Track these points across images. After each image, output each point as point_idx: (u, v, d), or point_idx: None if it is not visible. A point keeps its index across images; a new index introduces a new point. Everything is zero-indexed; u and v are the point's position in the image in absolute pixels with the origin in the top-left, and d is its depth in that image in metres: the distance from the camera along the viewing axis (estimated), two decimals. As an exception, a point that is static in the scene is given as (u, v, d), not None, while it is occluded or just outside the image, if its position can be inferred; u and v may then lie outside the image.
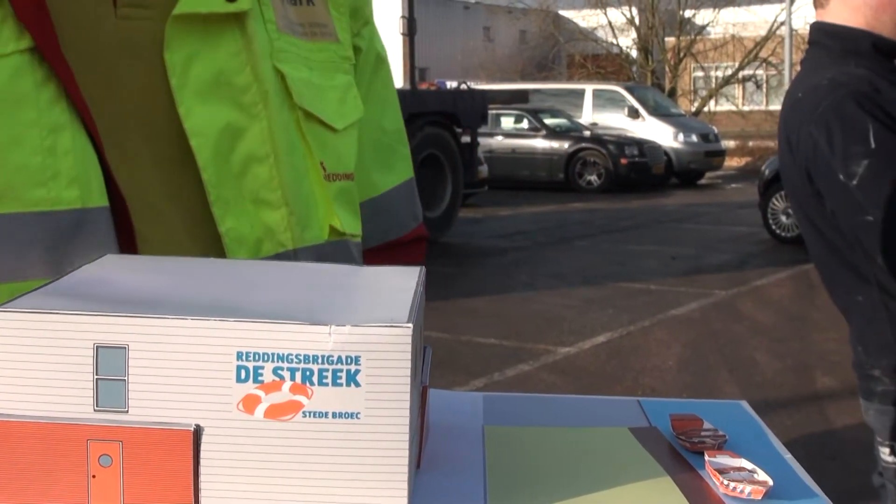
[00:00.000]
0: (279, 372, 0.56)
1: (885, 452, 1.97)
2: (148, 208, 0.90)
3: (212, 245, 0.91)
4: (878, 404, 1.97)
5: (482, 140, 13.18)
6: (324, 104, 1.00)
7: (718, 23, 31.03)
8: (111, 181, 0.88)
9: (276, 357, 0.56)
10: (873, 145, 1.80)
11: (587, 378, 5.85)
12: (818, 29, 2.03)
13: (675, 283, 8.78)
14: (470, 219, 12.85)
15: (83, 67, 0.88)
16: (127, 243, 0.89)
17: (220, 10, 0.91)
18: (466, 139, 11.35)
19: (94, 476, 0.57)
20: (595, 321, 7.32)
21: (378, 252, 1.17)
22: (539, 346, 6.55)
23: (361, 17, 1.11)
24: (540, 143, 17.56)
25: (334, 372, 0.57)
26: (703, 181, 19.60)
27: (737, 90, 31.79)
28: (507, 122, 17.92)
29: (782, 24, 24.89)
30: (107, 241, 0.86)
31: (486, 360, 6.11)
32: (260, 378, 0.57)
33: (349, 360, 0.57)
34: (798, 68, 2.13)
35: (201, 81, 0.90)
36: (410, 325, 0.57)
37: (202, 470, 0.57)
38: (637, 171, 17.37)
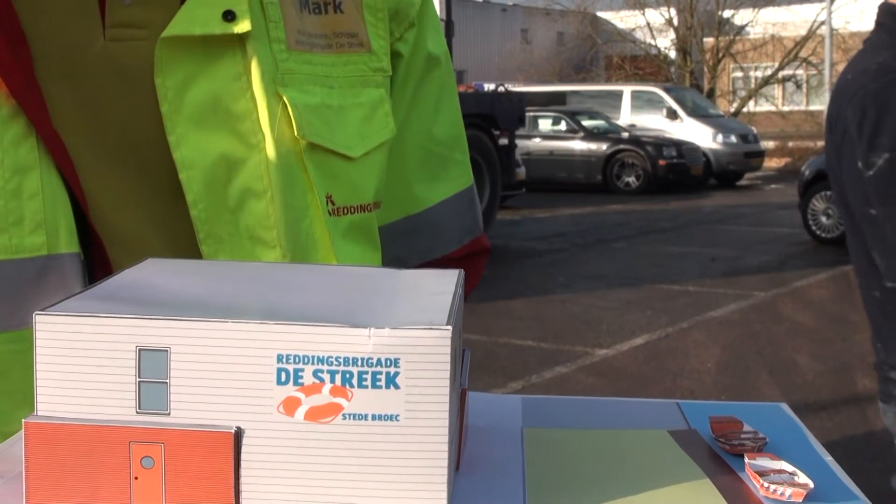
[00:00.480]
0: (319, 374, 0.57)
1: None
2: (134, 245, 0.85)
3: None
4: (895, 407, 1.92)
5: (520, 142, 13.17)
6: (338, 130, 0.93)
7: (758, 23, 30.85)
8: (88, 223, 0.83)
9: (315, 359, 0.57)
10: None
11: (625, 380, 5.83)
12: (886, 10, 1.93)
13: (715, 285, 8.73)
14: (508, 220, 12.84)
15: (68, 93, 0.83)
16: None
17: (218, 32, 0.84)
18: (504, 141, 11.34)
19: (136, 478, 0.57)
20: (633, 323, 7.29)
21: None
22: (577, 347, 6.53)
23: (405, 19, 1.02)
24: (578, 145, 17.52)
25: (374, 374, 0.57)
26: (742, 182, 19.48)
27: (776, 90, 31.59)
28: (545, 125, 17.90)
29: (822, 23, 24.70)
30: (74, 288, 0.81)
31: (523, 361, 6.10)
32: (300, 380, 0.57)
33: (388, 362, 0.57)
34: (839, 68, 2.08)
35: (196, 108, 0.84)
36: (449, 327, 0.57)
37: (243, 472, 0.58)
38: (675, 172, 17.30)
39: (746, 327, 7.18)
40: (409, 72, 1.04)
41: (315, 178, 0.90)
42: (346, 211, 0.94)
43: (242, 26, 0.84)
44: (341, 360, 0.57)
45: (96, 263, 0.85)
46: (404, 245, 1.06)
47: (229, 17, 0.84)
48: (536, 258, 10.21)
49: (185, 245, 0.86)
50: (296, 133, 0.88)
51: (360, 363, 0.57)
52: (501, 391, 5.15)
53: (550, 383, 5.68)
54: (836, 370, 6.08)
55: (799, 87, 31.63)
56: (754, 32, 31.42)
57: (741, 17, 31.03)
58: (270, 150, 0.86)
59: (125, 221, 0.85)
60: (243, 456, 0.58)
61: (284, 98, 0.88)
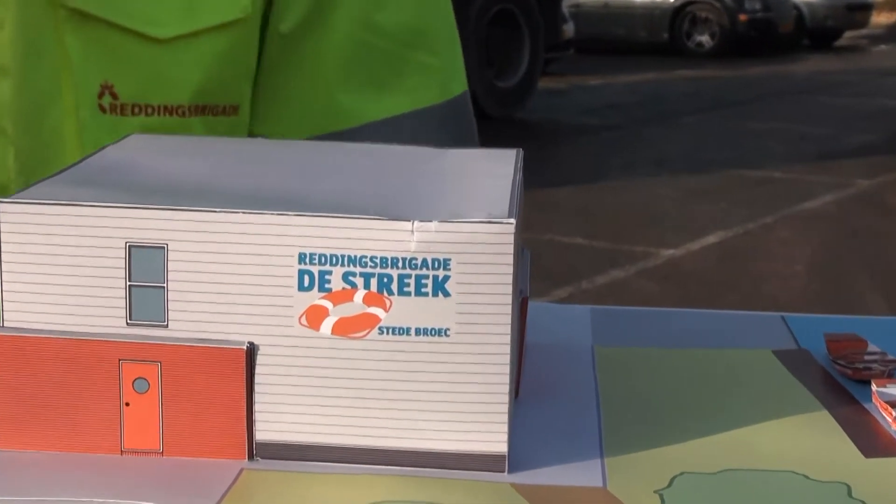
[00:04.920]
0: (350, 278, 0.56)
1: None
2: None
3: None
4: None
5: (567, -9, 13.03)
6: None
7: None
8: None
9: (346, 260, 0.56)
10: None
11: (695, 286, 5.84)
12: None
13: (806, 170, 8.69)
14: (551, 90, 12.77)
15: None
16: None
17: None
18: (548, -9, 11.23)
19: (127, 404, 0.58)
20: (705, 217, 7.28)
21: None
22: (636, 247, 6.54)
23: None
24: (638, -4, 17.35)
25: (418, 278, 0.56)
26: (841, 42, 19.27)
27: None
28: (598, -30, 17.69)
29: None
30: None
31: (571, 264, 6.11)
32: (327, 286, 0.56)
33: (436, 263, 0.56)
34: None
35: None
36: (512, 220, 0.56)
37: (257, 397, 0.58)
38: (759, 29, 17.11)
39: (845, 223, 7.17)
40: None
41: (78, 57, 0.85)
42: (137, 110, 0.87)
43: None
44: (378, 261, 0.56)
45: None
46: None
47: None
48: (586, 137, 10.17)
49: None
50: None
51: (401, 264, 0.56)
52: (545, 300, 5.18)
53: (604, 290, 5.69)
54: (955, 276, 6.07)
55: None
56: None
57: None
58: (17, 18, 0.81)
59: None
60: (257, 378, 0.58)
61: None
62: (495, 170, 0.66)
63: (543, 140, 9.84)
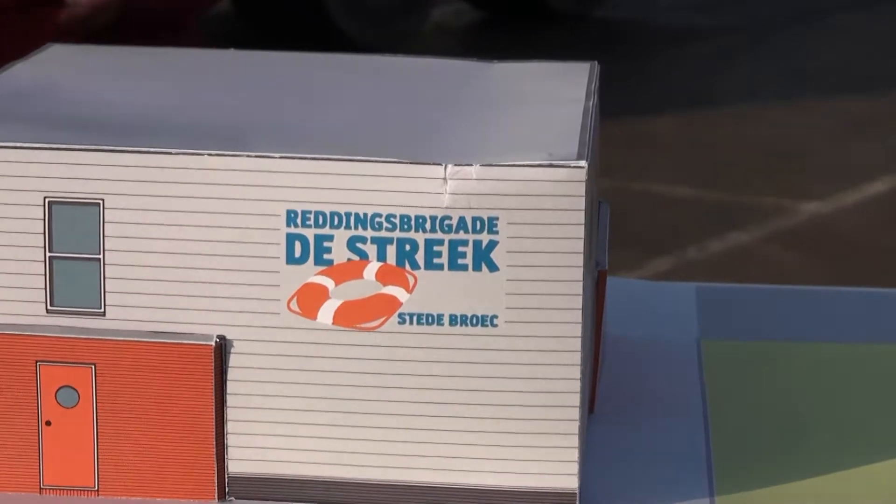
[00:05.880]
0: (359, 246, 0.57)
1: None
2: None
3: None
4: None
5: None
6: None
7: None
8: None
9: (353, 220, 0.57)
10: None
11: (849, 256, 5.82)
12: None
13: None
14: (643, -23, 12.74)
15: None
16: None
17: None
18: None
19: (48, 423, 0.58)
20: (864, 157, 7.25)
21: None
22: (765, 199, 6.52)
23: None
24: None
25: (453, 245, 0.57)
26: None
27: None
28: None
29: None
30: None
31: (673, 223, 6.10)
32: (326, 256, 0.57)
33: (479, 224, 0.57)
34: None
35: None
36: (584, 163, 0.56)
37: (230, 413, 0.58)
38: None
39: None
40: None
41: None
42: None
43: None
44: (397, 222, 0.57)
45: None
46: None
47: None
48: (693, 43, 10.13)
49: None
50: None
51: (429, 226, 0.57)
52: (634, 275, 5.17)
53: (721, 260, 5.68)
54: None
55: None
56: None
57: None
58: None
59: None
60: (231, 386, 0.58)
61: None
62: (562, 91, 0.67)
63: (632, 48, 9.80)
